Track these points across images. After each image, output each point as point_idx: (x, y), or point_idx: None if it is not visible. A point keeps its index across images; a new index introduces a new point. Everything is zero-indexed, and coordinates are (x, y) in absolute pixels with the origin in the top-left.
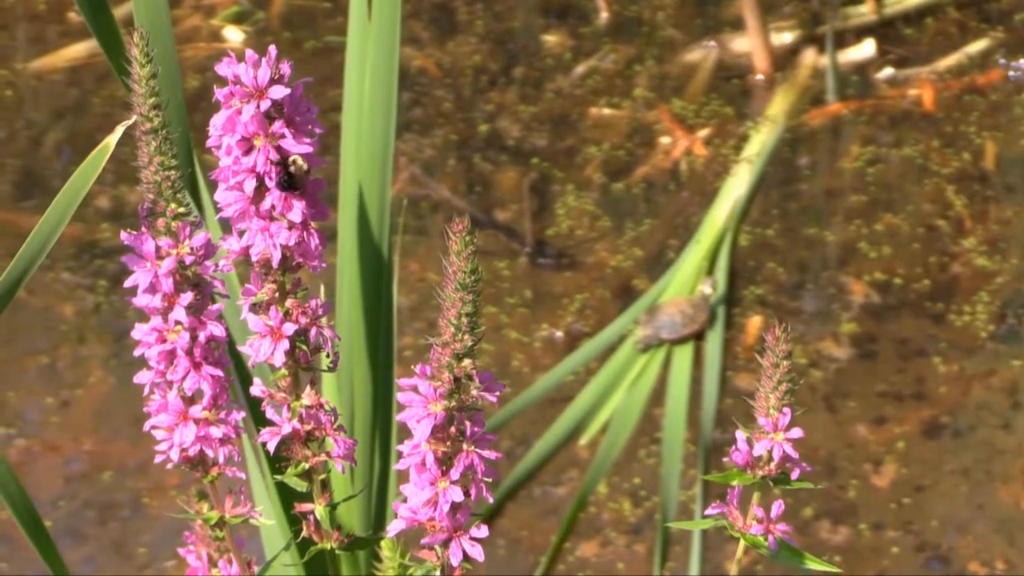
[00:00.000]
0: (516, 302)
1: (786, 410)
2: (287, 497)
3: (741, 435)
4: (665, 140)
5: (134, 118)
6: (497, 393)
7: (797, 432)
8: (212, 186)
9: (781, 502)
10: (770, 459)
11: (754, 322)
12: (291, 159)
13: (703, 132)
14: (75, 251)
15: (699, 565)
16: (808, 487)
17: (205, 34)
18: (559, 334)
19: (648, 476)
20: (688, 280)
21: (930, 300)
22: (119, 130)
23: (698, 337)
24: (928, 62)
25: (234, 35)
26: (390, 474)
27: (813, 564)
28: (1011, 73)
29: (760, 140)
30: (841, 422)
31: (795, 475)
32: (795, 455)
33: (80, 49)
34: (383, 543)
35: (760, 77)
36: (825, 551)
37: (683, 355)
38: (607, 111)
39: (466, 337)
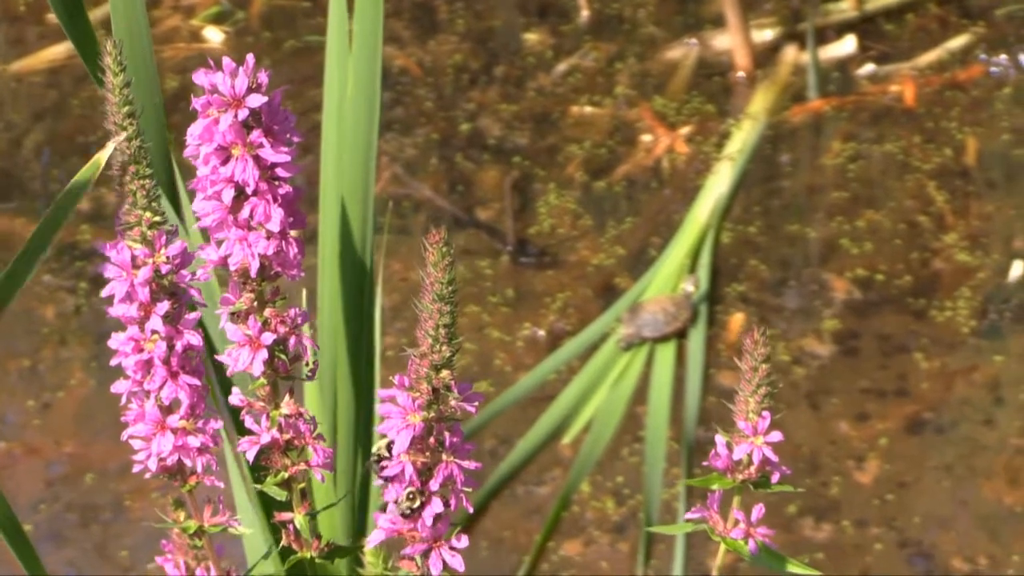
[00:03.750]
0: (498, 301)
1: (765, 414)
2: (268, 505)
3: (721, 439)
4: (647, 138)
5: (123, 136)
6: (476, 404)
7: (777, 436)
8: (191, 190)
9: (762, 506)
10: (750, 463)
11: (736, 319)
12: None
13: (685, 130)
14: (56, 253)
15: (683, 563)
16: (788, 490)
17: (185, 34)
18: (541, 333)
19: (631, 475)
20: (670, 278)
21: (912, 296)
22: (110, 146)
23: (680, 335)
24: (909, 58)
25: (214, 35)
26: (372, 482)
27: (794, 568)
28: (992, 68)
29: (742, 137)
30: (824, 419)
31: (775, 478)
32: (775, 459)
33: (59, 51)
34: (367, 551)
35: (741, 74)
36: (808, 548)
37: (665, 353)
38: (588, 109)
39: (444, 348)
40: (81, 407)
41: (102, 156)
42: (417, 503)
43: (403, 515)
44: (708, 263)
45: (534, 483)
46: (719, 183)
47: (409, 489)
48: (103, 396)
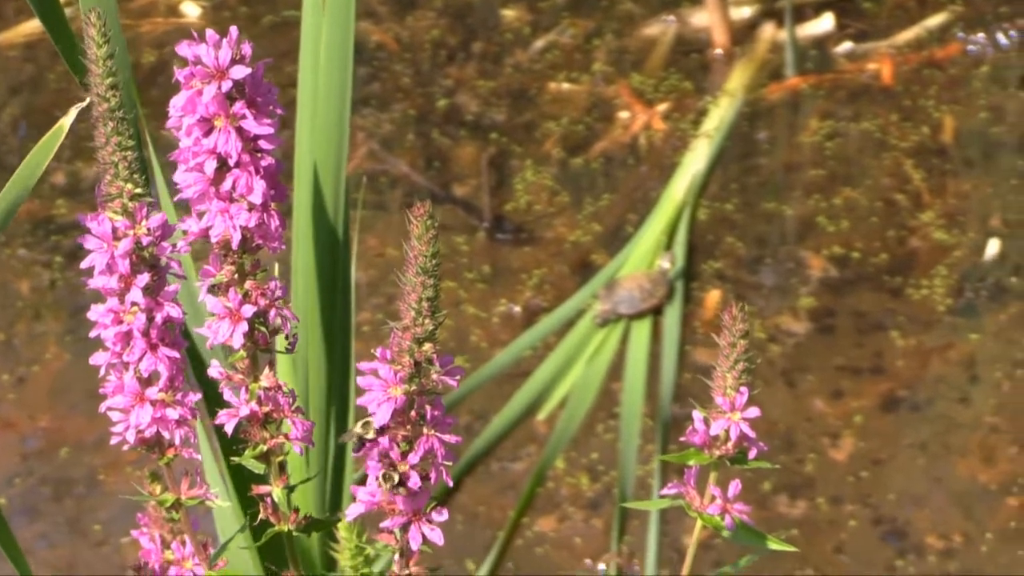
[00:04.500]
0: (474, 277)
1: (743, 389)
2: (242, 479)
3: (698, 415)
4: (624, 115)
5: (88, 100)
6: (457, 378)
7: (754, 411)
8: (165, 165)
9: (739, 482)
10: (727, 438)
11: (712, 296)
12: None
13: (662, 106)
14: (31, 227)
15: (657, 539)
16: (765, 467)
17: (162, 9)
18: (517, 309)
19: (606, 451)
20: (647, 255)
21: (888, 274)
22: (73, 112)
23: (656, 312)
24: (887, 36)
25: (191, 10)
26: (347, 456)
27: (772, 544)
28: (969, 47)
29: (719, 114)
30: (799, 396)
31: (752, 454)
32: (752, 435)
33: (36, 25)
34: (340, 525)
35: (719, 51)
36: (783, 525)
37: (641, 330)
38: (566, 86)
39: (427, 321)
40: (56, 381)
41: (65, 122)
42: (398, 479)
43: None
44: (684, 240)
45: (509, 459)
46: (696, 160)
47: (388, 469)
48: (78, 370)
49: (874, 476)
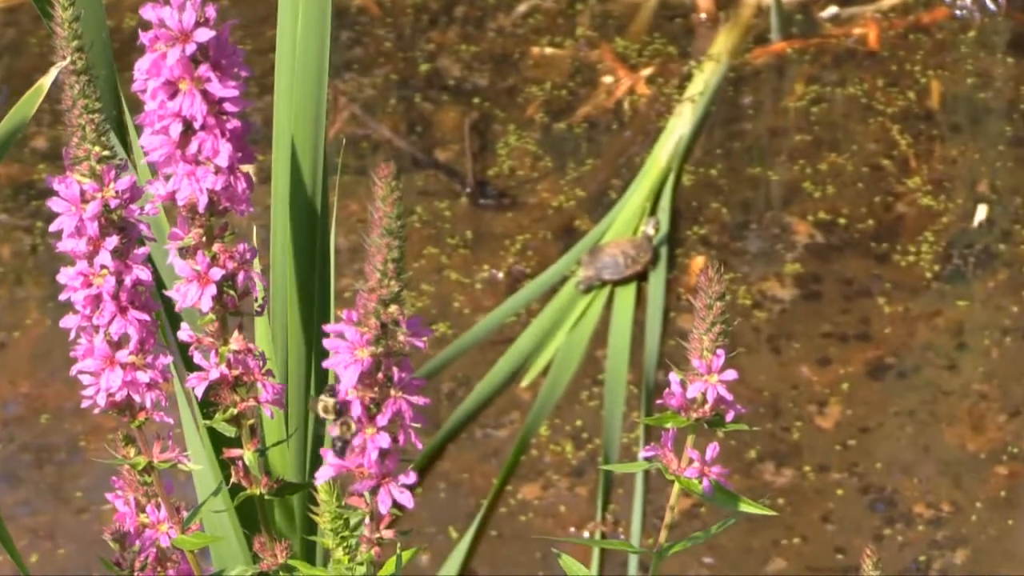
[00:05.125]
0: (457, 243)
1: (720, 352)
2: (218, 442)
3: (675, 377)
4: (608, 79)
5: (68, 60)
6: (425, 339)
7: (731, 374)
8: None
9: (716, 444)
10: (704, 401)
11: (697, 262)
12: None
13: (646, 71)
14: (12, 192)
15: (641, 507)
16: (743, 429)
17: None
18: (500, 275)
19: (590, 418)
20: (631, 220)
21: (875, 240)
22: (53, 71)
23: (641, 278)
24: (873, 0)
25: None
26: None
27: (748, 507)
28: (956, 11)
29: (703, 79)
30: (785, 363)
31: (730, 416)
32: (729, 397)
33: None
34: (320, 487)
35: (703, 16)
36: (768, 493)
37: (625, 296)
38: (549, 50)
39: (392, 283)
40: (37, 347)
41: (45, 81)
42: (351, 433)
43: (340, 446)
44: (669, 206)
45: (492, 426)
46: (680, 125)
47: (343, 419)
48: (59, 336)
49: (861, 444)
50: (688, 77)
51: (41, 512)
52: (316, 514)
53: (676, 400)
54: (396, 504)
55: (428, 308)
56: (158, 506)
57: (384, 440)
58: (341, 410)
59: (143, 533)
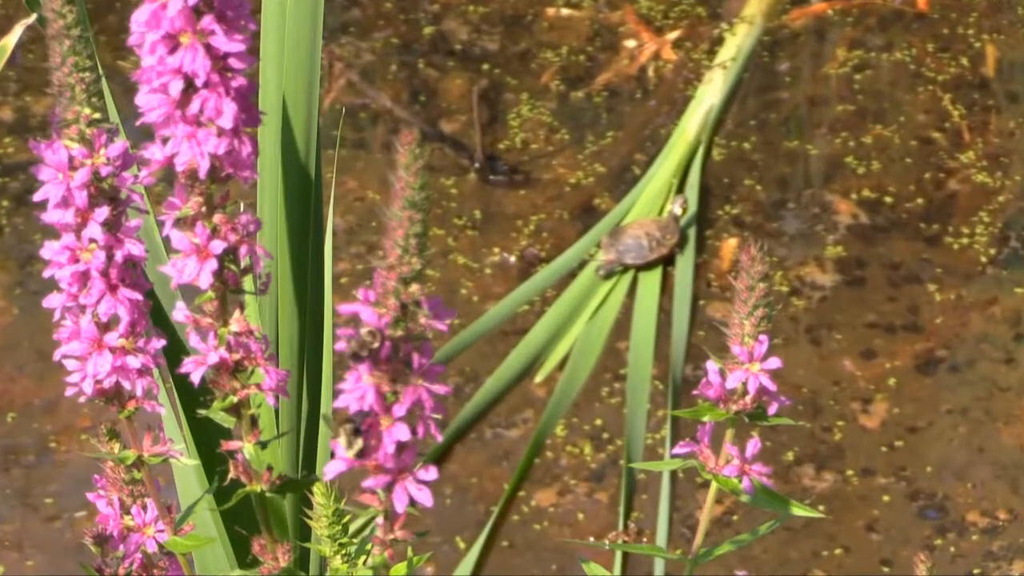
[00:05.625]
0: (464, 223)
1: (762, 338)
2: (205, 436)
3: (713, 366)
4: (630, 43)
5: (33, 17)
6: (448, 321)
7: (775, 362)
8: (120, 95)
9: (757, 440)
10: (745, 392)
11: (729, 245)
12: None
13: (672, 34)
14: None
15: (668, 515)
16: (788, 423)
17: None
18: (512, 259)
19: (611, 417)
20: (656, 199)
21: (924, 221)
22: (18, 29)
23: (667, 262)
24: None
25: None
26: (321, 413)
27: (796, 509)
28: None
29: (735, 43)
30: (826, 356)
31: (772, 409)
32: (772, 387)
33: None
34: (316, 487)
35: None
36: (808, 499)
37: (650, 282)
38: (565, 11)
39: (414, 260)
40: (3, 338)
41: (8, 41)
42: (377, 343)
43: (357, 354)
44: (698, 182)
45: (503, 425)
46: (710, 94)
47: (367, 329)
48: (27, 326)
49: (909, 445)
50: (719, 41)
51: (7, 520)
52: (311, 517)
53: (714, 391)
54: (413, 502)
55: (433, 295)
56: (144, 507)
57: (402, 432)
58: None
59: (128, 537)
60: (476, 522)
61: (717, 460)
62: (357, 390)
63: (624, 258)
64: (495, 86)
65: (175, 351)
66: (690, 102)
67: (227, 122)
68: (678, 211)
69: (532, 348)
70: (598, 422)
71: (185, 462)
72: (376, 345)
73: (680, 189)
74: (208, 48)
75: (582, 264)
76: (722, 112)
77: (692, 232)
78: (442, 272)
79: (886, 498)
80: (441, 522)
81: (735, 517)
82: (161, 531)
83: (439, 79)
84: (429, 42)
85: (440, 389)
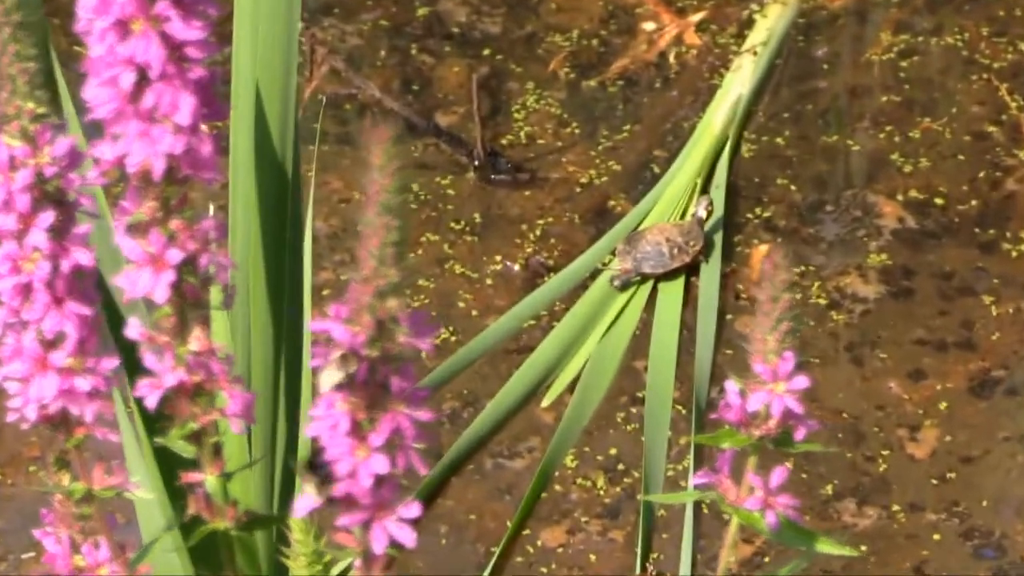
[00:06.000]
0: (462, 228)
1: (787, 354)
2: (169, 466)
3: (733, 386)
4: (649, 26)
5: None
6: (430, 338)
7: (802, 381)
8: (77, 82)
9: (783, 469)
10: (768, 415)
11: (759, 252)
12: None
13: (696, 16)
14: None
15: (691, 556)
16: (818, 450)
17: None
18: (516, 268)
19: (627, 446)
20: (677, 200)
21: (979, 225)
22: None
23: (690, 271)
24: None
25: None
26: (299, 440)
27: (824, 546)
28: None
29: (767, 26)
30: (869, 378)
31: (800, 434)
32: (799, 410)
33: None
34: (292, 523)
35: None
36: (849, 538)
37: (671, 294)
38: None
39: (391, 272)
40: None
41: None
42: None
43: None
44: (725, 182)
45: (506, 455)
46: (739, 83)
47: (340, 353)
48: None
49: (963, 477)
50: (748, 24)
51: None
52: (287, 556)
53: (734, 414)
54: (394, 542)
55: (427, 309)
56: (96, 545)
57: (380, 464)
58: None
59: None
60: (475, 564)
61: (739, 492)
62: (329, 418)
63: (642, 267)
64: (497, 74)
65: (138, 371)
66: (716, 92)
67: (184, 118)
68: (703, 214)
69: (538, 368)
70: (612, 452)
71: (142, 495)
72: (353, 369)
73: (705, 190)
74: (163, 36)
75: (595, 274)
76: (752, 103)
77: (718, 238)
78: (437, 283)
79: (937, 536)
80: (435, 564)
81: (767, 559)
82: (116, 572)
83: (434, 66)
84: (423, 24)
85: (423, 415)
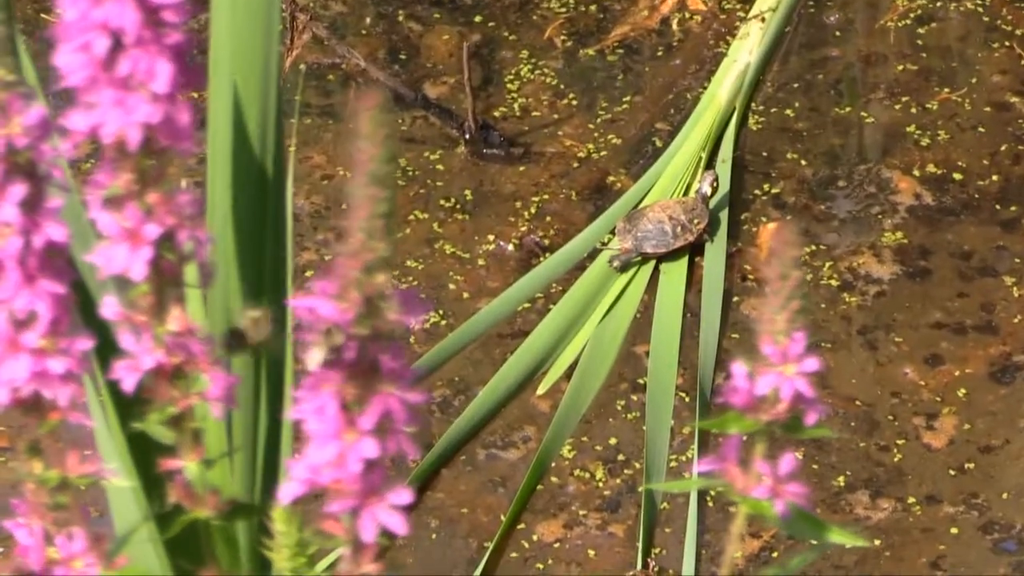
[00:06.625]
0: (453, 206)
1: (797, 335)
2: (144, 454)
3: (740, 368)
4: None
5: None
6: (421, 317)
7: (812, 363)
8: (42, 52)
9: (792, 455)
10: (777, 399)
11: (768, 231)
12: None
13: None
14: None
15: (695, 551)
16: (829, 435)
17: None
18: (510, 248)
19: (628, 435)
20: (681, 176)
21: (1000, 202)
22: None
23: (694, 251)
24: None
25: None
26: (282, 428)
27: (837, 536)
28: None
29: None
30: (883, 363)
31: (810, 419)
32: (810, 393)
33: None
34: (275, 513)
35: None
36: (862, 531)
37: (674, 275)
38: None
39: (380, 245)
40: None
41: None
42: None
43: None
44: (731, 156)
45: (499, 446)
46: (746, 51)
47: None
48: None
49: (982, 468)
50: None
51: None
52: (269, 548)
53: (741, 398)
54: (384, 531)
55: (411, 288)
56: (70, 536)
57: (370, 448)
58: None
59: (52, 571)
60: (467, 560)
61: (746, 479)
62: (315, 399)
63: (643, 246)
64: (489, 42)
65: (110, 353)
66: (722, 61)
67: (161, 86)
68: (707, 190)
69: (534, 354)
70: (612, 441)
71: (118, 483)
72: (338, 342)
73: (710, 164)
74: (141, 4)
75: (593, 254)
76: (760, 73)
77: (724, 215)
78: (426, 264)
79: (954, 530)
80: (425, 560)
81: (775, 554)
82: (91, 564)
83: (423, 34)
84: None
85: (414, 397)
